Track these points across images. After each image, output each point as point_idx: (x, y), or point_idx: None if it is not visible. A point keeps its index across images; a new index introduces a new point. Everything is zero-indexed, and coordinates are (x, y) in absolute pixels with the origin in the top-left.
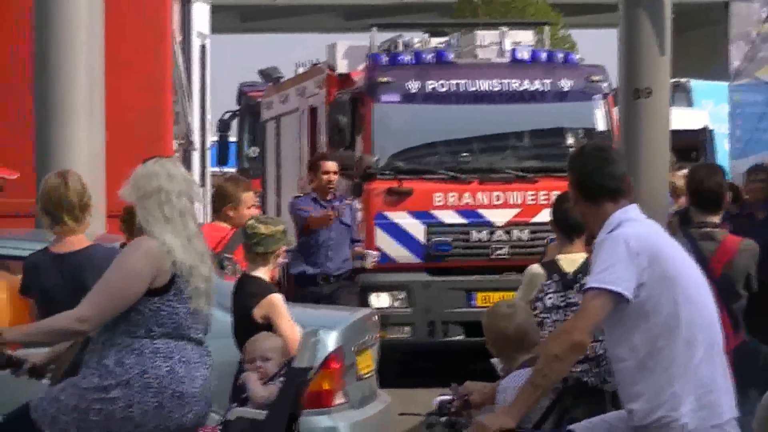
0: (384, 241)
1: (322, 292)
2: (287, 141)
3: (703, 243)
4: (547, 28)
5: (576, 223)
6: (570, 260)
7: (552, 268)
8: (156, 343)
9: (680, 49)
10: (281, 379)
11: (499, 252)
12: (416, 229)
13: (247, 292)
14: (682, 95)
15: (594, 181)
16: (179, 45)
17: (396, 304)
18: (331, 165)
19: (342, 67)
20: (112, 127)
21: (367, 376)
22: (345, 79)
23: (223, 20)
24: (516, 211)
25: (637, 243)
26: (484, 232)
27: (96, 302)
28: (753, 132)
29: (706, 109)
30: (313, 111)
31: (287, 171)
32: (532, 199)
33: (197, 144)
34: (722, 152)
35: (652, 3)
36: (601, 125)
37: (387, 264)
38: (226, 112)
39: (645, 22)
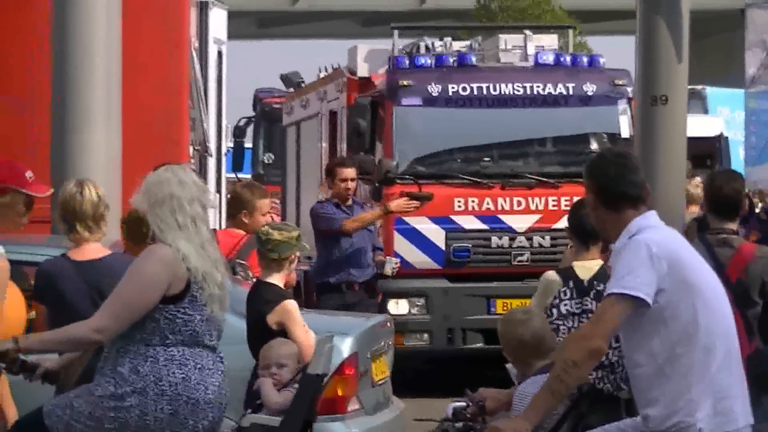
0: (403, 246)
1: (346, 300)
2: (307, 146)
3: (720, 249)
4: (570, 32)
5: (592, 229)
6: (586, 267)
7: (568, 274)
8: (171, 350)
9: (696, 56)
10: (296, 385)
11: (519, 258)
12: (436, 234)
13: (262, 299)
14: (697, 102)
15: (616, 188)
16: (196, 51)
17: (414, 310)
18: (349, 171)
19: (363, 70)
20: (128, 132)
21: (381, 382)
22: (365, 82)
23: (240, 26)
24: (537, 216)
25: (658, 248)
26: (505, 238)
27: (112, 312)
28: None
29: (721, 116)
30: (333, 115)
31: (307, 176)
32: (554, 205)
33: (213, 150)
34: (737, 159)
35: (670, 10)
36: (625, 130)
37: (406, 270)
38: (242, 118)
39: (663, 29)
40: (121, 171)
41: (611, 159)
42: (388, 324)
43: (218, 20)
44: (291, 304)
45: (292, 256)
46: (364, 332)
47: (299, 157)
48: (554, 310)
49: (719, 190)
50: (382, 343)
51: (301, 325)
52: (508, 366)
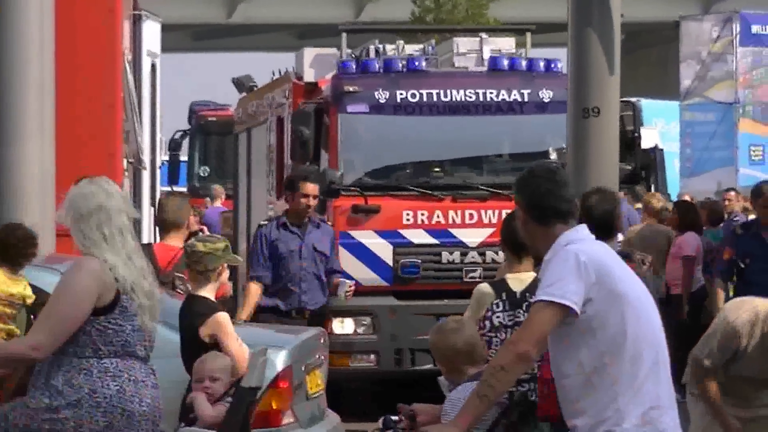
0: (349, 262)
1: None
2: (257, 154)
3: None
4: (529, 35)
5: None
6: (518, 279)
7: (500, 287)
8: (104, 362)
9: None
10: (229, 399)
11: (472, 275)
12: (383, 249)
13: (193, 312)
14: (631, 115)
15: (546, 204)
16: (129, 64)
17: (360, 330)
18: (313, 188)
19: (309, 75)
20: (62, 145)
21: (316, 395)
22: (312, 88)
23: (175, 39)
24: (491, 230)
25: (587, 258)
26: (456, 253)
27: (47, 328)
28: (703, 151)
29: (656, 128)
30: (280, 122)
31: (257, 185)
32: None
33: (147, 163)
34: (672, 171)
35: (601, 23)
36: None
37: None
38: (178, 131)
39: (594, 42)
40: (55, 184)
41: (541, 175)
42: (322, 338)
43: (152, 33)
44: (223, 317)
45: (220, 268)
46: (299, 345)
47: (249, 164)
48: (487, 323)
49: (591, 209)
50: (317, 356)
51: (234, 337)
52: (440, 379)
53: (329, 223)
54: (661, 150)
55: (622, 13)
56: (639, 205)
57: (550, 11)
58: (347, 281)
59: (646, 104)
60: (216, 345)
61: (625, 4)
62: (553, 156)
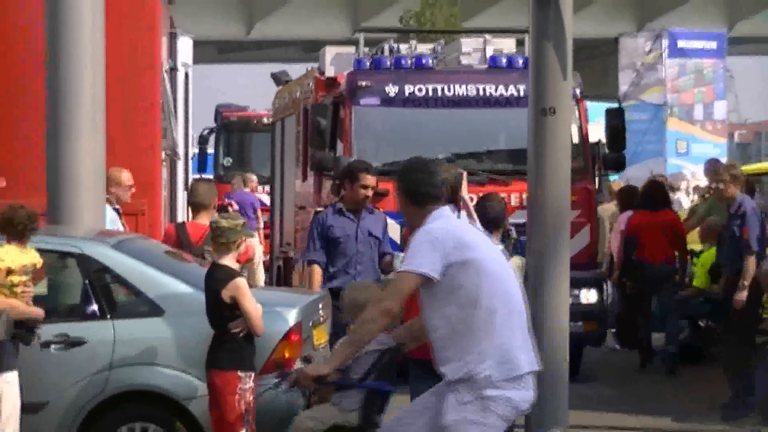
0: None
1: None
2: (289, 142)
3: None
4: (527, 36)
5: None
6: None
7: None
8: None
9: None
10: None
11: None
12: (393, 228)
13: (216, 278)
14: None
15: (420, 190)
16: (167, 73)
17: None
18: (372, 180)
19: (330, 71)
20: (111, 141)
21: (321, 346)
22: (332, 82)
23: (204, 52)
24: None
25: (442, 233)
26: None
27: None
28: (638, 144)
29: (599, 125)
30: (305, 113)
31: (289, 170)
32: (506, 201)
33: (181, 155)
34: None
35: (556, 36)
36: (573, 130)
37: None
38: (205, 128)
39: (550, 52)
40: (106, 174)
41: (416, 167)
42: (327, 299)
43: (185, 47)
44: (241, 281)
45: (239, 241)
46: (306, 305)
47: (282, 151)
48: None
49: (486, 210)
50: (321, 314)
51: (250, 298)
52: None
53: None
54: (604, 144)
55: None
56: None
57: (518, 23)
58: (400, 254)
59: (591, 106)
60: (235, 305)
61: (574, 22)
62: None
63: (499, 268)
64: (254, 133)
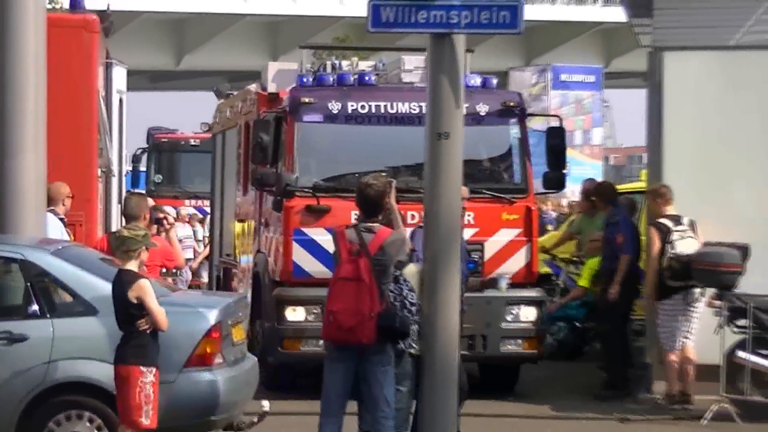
0: (301, 256)
1: None
2: (230, 154)
3: (365, 234)
4: (469, 55)
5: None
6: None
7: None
8: None
9: None
10: None
11: None
12: (332, 245)
13: (122, 281)
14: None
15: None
16: (103, 98)
17: (311, 317)
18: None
19: (272, 87)
20: (52, 158)
21: (239, 343)
22: (275, 98)
23: (137, 81)
24: None
25: None
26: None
27: None
28: None
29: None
30: (247, 128)
31: (229, 182)
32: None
33: (116, 172)
34: None
35: (450, 69)
36: (515, 148)
37: (304, 279)
38: (138, 148)
39: (445, 83)
40: (46, 188)
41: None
42: (245, 300)
43: (120, 76)
44: (144, 282)
45: (140, 250)
46: (226, 306)
47: (223, 163)
48: None
49: (365, 196)
50: (240, 314)
51: (153, 298)
52: None
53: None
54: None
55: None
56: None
57: None
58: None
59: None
60: (141, 305)
61: (471, 56)
62: (480, 162)
63: None
64: (182, 153)
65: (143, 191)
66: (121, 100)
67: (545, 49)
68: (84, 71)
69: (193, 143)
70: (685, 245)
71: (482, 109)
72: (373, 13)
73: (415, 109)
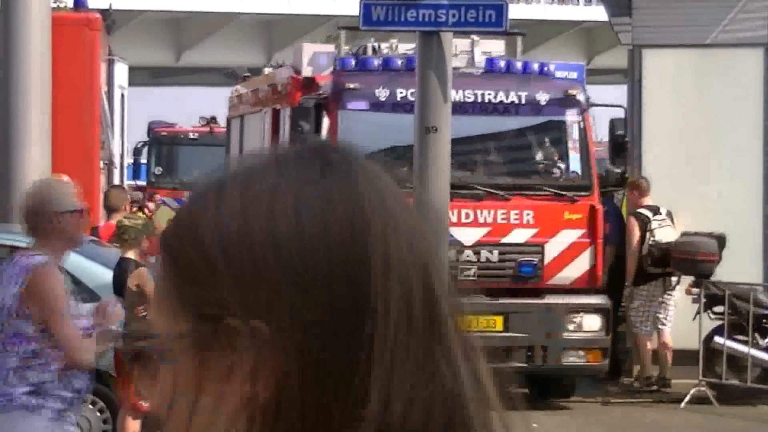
0: None
1: None
2: (250, 139)
3: None
4: (519, 39)
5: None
6: None
7: None
8: None
9: None
10: None
11: (466, 273)
12: None
13: (123, 268)
14: (622, 119)
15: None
16: (105, 94)
17: None
18: None
19: (307, 71)
20: (57, 151)
21: None
22: (310, 82)
23: (138, 76)
24: (486, 230)
25: None
26: (452, 251)
27: None
28: None
29: None
30: (276, 113)
31: None
32: (504, 218)
33: (117, 164)
34: None
35: (438, 66)
36: (577, 140)
37: None
38: (139, 142)
39: (433, 79)
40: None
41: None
42: None
43: (121, 72)
44: (144, 270)
45: (141, 239)
46: None
47: (241, 148)
48: None
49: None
50: None
51: (152, 285)
52: None
53: None
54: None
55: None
56: None
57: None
58: None
59: None
60: (141, 292)
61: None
62: (539, 155)
63: None
64: (181, 146)
65: (144, 183)
66: (122, 95)
67: (528, 47)
68: (87, 67)
69: (191, 137)
70: (664, 234)
71: (542, 98)
72: (364, 11)
73: (469, 98)
